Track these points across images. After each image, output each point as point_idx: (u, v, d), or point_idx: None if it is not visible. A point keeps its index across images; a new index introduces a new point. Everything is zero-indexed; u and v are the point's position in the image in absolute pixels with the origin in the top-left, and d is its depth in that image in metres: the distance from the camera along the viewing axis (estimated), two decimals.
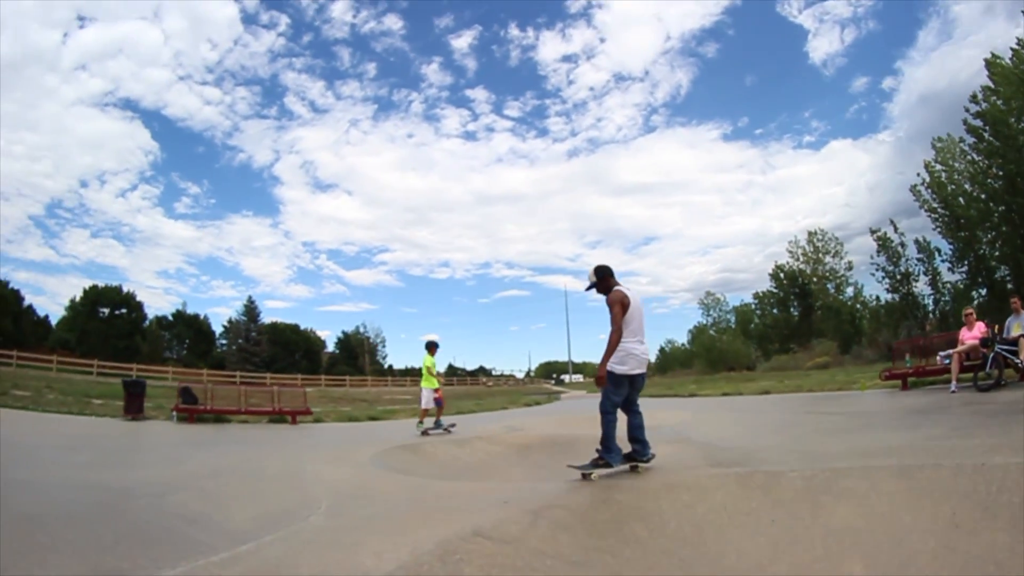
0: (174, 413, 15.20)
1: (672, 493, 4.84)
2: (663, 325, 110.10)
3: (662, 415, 11.63)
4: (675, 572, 3.53)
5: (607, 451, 5.89)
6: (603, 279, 6.33)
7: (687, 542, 3.90)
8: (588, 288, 6.43)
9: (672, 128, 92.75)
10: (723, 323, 68.82)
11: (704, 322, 70.79)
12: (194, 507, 5.32)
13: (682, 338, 78.54)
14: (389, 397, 34.49)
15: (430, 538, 3.78)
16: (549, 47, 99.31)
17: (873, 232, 41.70)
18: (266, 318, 66.87)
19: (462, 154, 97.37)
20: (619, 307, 5.88)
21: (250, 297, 67.06)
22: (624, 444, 6.08)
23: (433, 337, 14.56)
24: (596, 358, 18.49)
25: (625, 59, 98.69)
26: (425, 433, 12.51)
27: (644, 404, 6.35)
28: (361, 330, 76.60)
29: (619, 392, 5.97)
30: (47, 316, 58.61)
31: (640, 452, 6.05)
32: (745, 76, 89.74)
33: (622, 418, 6.11)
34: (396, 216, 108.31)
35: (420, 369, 14.77)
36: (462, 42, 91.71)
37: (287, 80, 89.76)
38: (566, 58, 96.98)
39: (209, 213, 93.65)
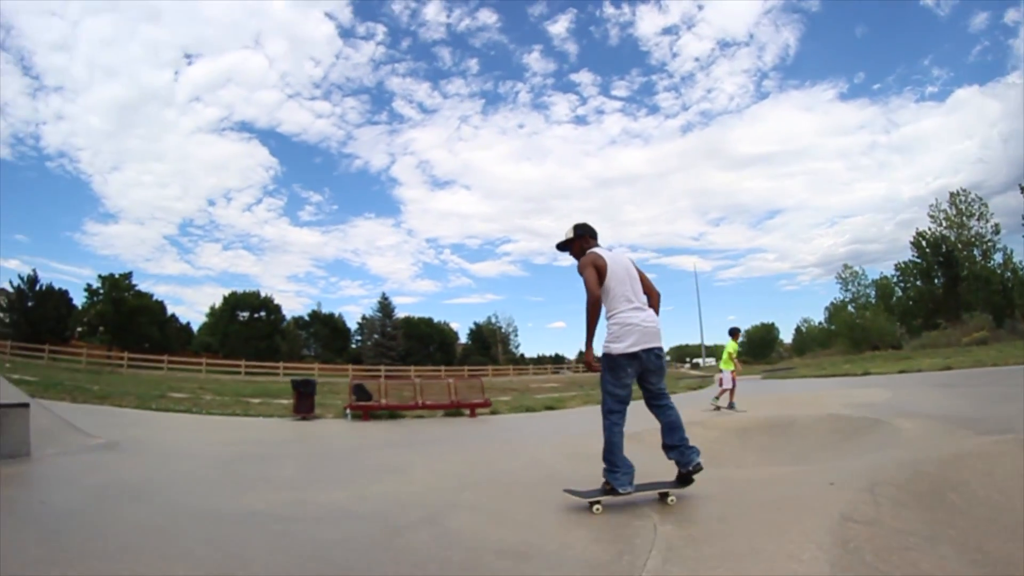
0: (347, 411, 13.86)
1: (964, 462, 4.63)
2: (794, 304, 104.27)
3: (858, 393, 12.02)
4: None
5: (611, 470, 4.48)
6: (580, 238, 5.00)
7: (1000, 508, 3.76)
8: (560, 246, 5.11)
9: (785, 92, 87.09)
10: (862, 298, 63.45)
11: (842, 298, 65.69)
12: (493, 533, 3.96)
13: (817, 316, 73.46)
14: (537, 386, 32.91)
15: (816, 528, 3.40)
16: (647, 21, 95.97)
17: None
18: (397, 313, 67.47)
19: (575, 139, 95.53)
20: (591, 270, 4.60)
21: (384, 294, 68.32)
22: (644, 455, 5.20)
23: (736, 325, 14.81)
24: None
25: (727, 24, 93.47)
26: (717, 408, 13.36)
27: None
28: (493, 320, 76.60)
29: (621, 381, 4.55)
30: (188, 323, 62.79)
31: (681, 461, 4.55)
32: (854, 27, 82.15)
33: (642, 421, 5.20)
34: (515, 207, 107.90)
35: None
36: (559, 27, 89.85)
37: (393, 85, 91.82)
38: (666, 30, 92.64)
39: (332, 218, 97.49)
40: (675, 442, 4.51)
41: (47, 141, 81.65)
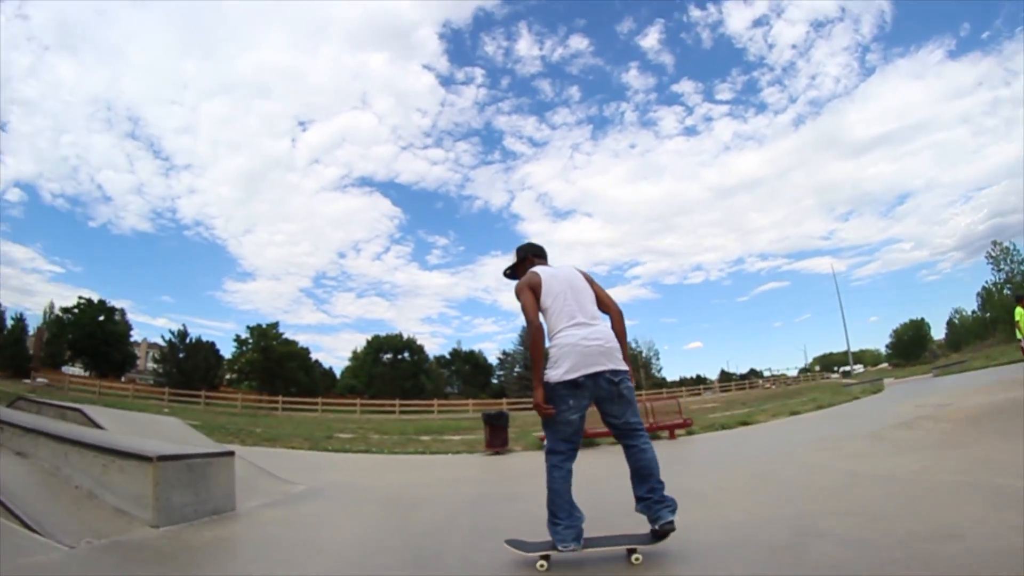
0: (545, 442, 11.94)
1: None
2: (940, 295, 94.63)
3: None
4: None
5: (552, 521, 3.55)
6: (523, 261, 4.17)
7: None
8: (507, 273, 4.30)
9: (891, 63, 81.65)
10: (1018, 275, 54.49)
11: (996, 279, 56.76)
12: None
13: (970, 305, 65.01)
14: (698, 407, 30.41)
15: None
16: (736, 17, 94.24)
17: None
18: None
19: (687, 151, 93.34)
20: (526, 292, 3.79)
21: (524, 327, 66.93)
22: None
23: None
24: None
25: (815, 3, 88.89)
26: None
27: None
28: (633, 345, 73.21)
29: (564, 416, 3.56)
30: (331, 367, 65.61)
31: (649, 517, 3.49)
32: None
33: (606, 461, 4.58)
34: (639, 228, 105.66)
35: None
36: (650, 40, 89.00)
37: (500, 124, 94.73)
38: (756, 23, 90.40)
39: (460, 259, 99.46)
40: (643, 493, 3.53)
41: (183, 213, 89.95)
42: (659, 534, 3.39)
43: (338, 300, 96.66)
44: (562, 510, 3.49)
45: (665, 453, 9.47)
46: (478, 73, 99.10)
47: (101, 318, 53.40)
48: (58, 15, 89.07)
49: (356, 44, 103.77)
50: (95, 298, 54.02)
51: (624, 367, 3.61)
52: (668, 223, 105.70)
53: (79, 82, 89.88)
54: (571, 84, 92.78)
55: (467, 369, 65.31)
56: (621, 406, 3.56)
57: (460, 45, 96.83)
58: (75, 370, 51.04)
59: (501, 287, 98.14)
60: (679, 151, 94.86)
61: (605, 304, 3.90)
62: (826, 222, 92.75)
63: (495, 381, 65.96)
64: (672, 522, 3.36)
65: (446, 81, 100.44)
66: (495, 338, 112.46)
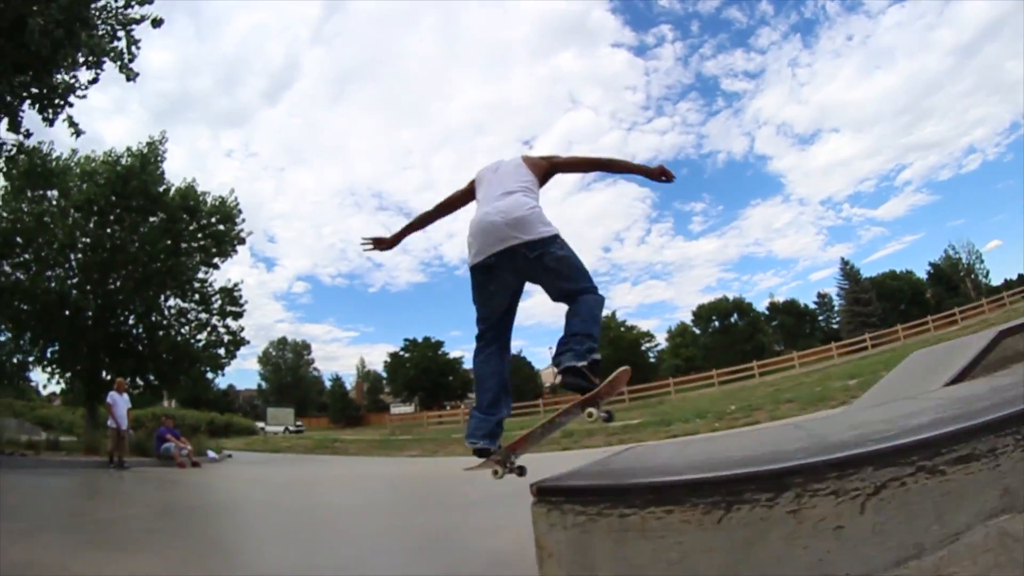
0: None
1: None
2: None
3: None
4: None
5: (467, 425, 3.06)
6: None
7: None
8: None
9: None
10: None
11: None
12: None
13: None
14: None
15: None
16: None
17: None
18: (810, 291, 61.98)
19: (907, 19, 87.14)
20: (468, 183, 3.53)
21: (843, 259, 63.61)
22: None
23: None
24: None
25: None
26: None
27: None
28: (951, 253, 63.36)
29: (477, 301, 3.10)
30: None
31: (554, 360, 2.86)
32: None
33: None
34: (891, 126, 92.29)
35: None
36: None
37: (709, 70, 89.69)
38: None
39: (722, 219, 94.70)
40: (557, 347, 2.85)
41: (448, 256, 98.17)
42: (572, 386, 2.68)
43: (615, 293, 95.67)
44: (481, 400, 2.99)
45: None
46: (665, 30, 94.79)
47: (429, 354, 62.28)
48: (282, 141, 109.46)
49: (541, 53, 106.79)
50: (419, 337, 62.93)
51: (543, 234, 2.88)
52: (920, 110, 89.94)
53: (319, 183, 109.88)
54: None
55: (790, 321, 62.38)
56: (549, 278, 2.93)
57: (635, 11, 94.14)
58: (403, 408, 59.74)
59: (771, 235, 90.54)
60: (899, 22, 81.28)
61: (560, 162, 3.52)
62: None
63: (823, 325, 63.36)
64: (572, 367, 2.64)
65: (639, 50, 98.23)
66: (779, 290, 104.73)
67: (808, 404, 12.63)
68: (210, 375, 19.43)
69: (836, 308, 63.62)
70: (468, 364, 61.18)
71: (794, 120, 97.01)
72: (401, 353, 63.19)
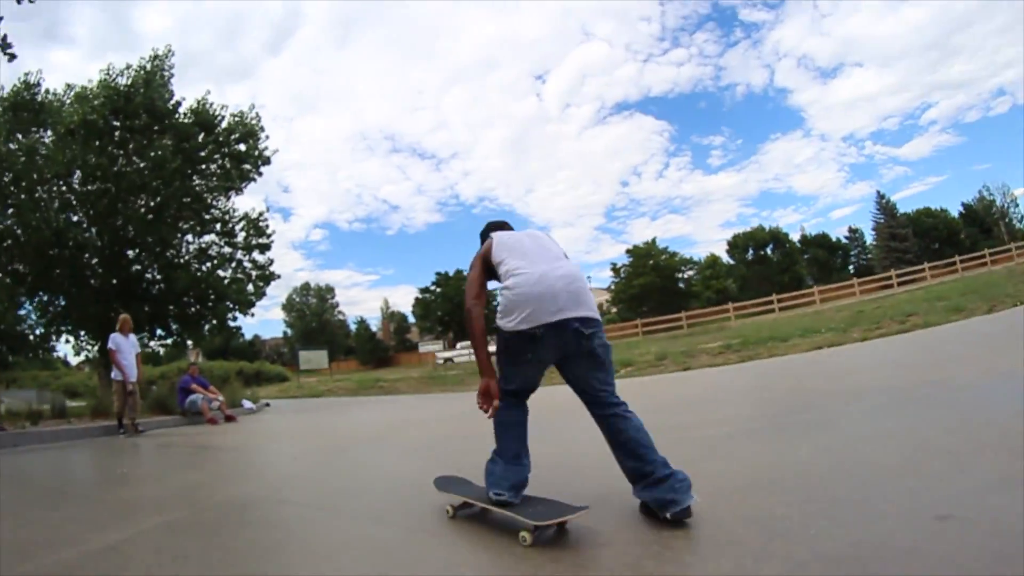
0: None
1: None
2: None
3: None
4: None
5: (488, 473, 2.79)
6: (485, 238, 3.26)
7: None
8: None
9: None
10: None
11: None
12: None
13: None
14: None
15: None
16: None
17: None
18: (832, 229, 59.52)
19: None
20: (477, 265, 2.99)
21: (879, 192, 60.92)
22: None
23: None
24: None
25: None
26: None
27: None
28: (985, 195, 61.14)
29: (517, 374, 2.79)
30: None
31: (656, 495, 2.50)
32: None
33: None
34: (918, 62, 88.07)
35: None
36: None
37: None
38: None
39: (741, 153, 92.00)
40: (636, 469, 2.57)
41: (465, 194, 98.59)
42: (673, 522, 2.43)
43: (634, 228, 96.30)
44: (507, 449, 2.76)
45: None
46: None
47: (461, 287, 59.38)
48: (289, 90, 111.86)
49: None
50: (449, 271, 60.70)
51: (598, 316, 2.72)
52: (949, 46, 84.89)
53: (330, 130, 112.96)
54: None
55: (822, 255, 59.86)
56: (591, 367, 2.68)
57: None
58: (432, 346, 58.07)
59: (792, 171, 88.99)
60: None
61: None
62: None
63: (855, 260, 60.98)
64: (688, 507, 2.42)
65: None
66: (798, 227, 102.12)
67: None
68: (238, 317, 16.83)
69: (868, 244, 61.49)
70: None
71: (816, 53, 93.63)
72: (432, 288, 61.49)
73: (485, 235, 3.32)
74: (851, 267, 59.79)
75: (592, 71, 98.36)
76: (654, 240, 52.89)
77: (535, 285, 2.62)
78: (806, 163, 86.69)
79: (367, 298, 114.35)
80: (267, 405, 15.46)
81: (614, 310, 53.26)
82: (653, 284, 49.19)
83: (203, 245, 16.43)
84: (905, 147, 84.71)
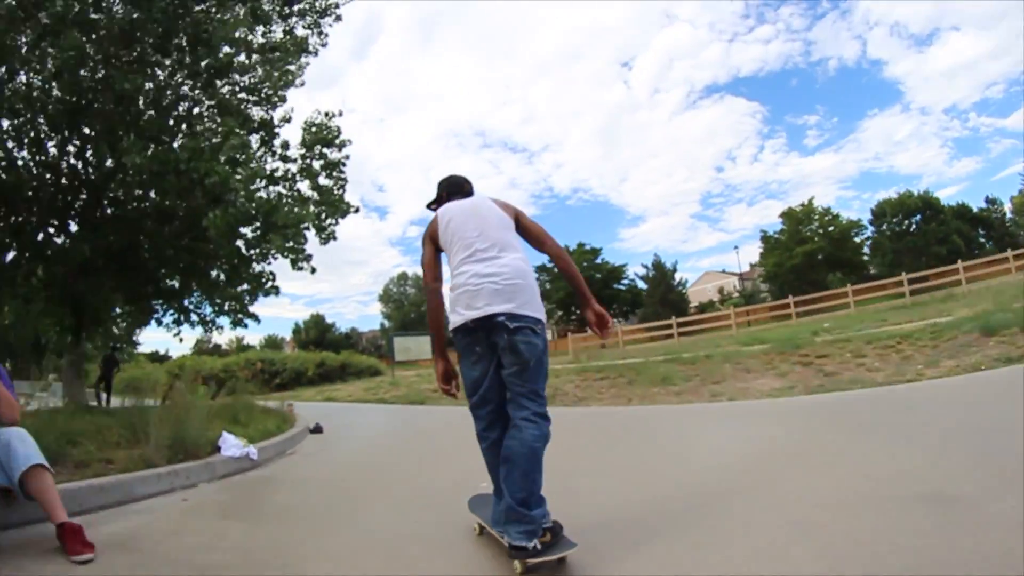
0: None
1: None
2: None
3: None
4: None
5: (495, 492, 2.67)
6: (438, 200, 3.14)
7: None
8: (431, 207, 3.17)
9: None
10: None
11: None
12: None
13: None
14: None
15: None
16: None
17: None
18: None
19: None
20: (427, 245, 2.85)
21: None
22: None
23: None
24: None
25: None
26: None
27: None
28: None
29: (465, 371, 2.69)
30: None
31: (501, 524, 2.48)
32: None
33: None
34: (1019, 22, 76.37)
35: None
36: None
37: None
38: None
39: (838, 132, 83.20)
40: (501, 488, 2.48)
41: (559, 186, 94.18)
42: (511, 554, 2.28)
43: (731, 215, 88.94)
44: (496, 487, 2.57)
45: None
46: None
47: (584, 263, 54.64)
48: (377, 93, 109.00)
49: None
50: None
51: (530, 312, 2.50)
52: None
53: (420, 129, 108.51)
54: None
55: (964, 227, 49.70)
56: (511, 362, 2.47)
57: None
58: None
59: (891, 150, 77.89)
60: None
61: (537, 238, 2.82)
62: None
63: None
64: (523, 548, 2.24)
65: None
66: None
67: None
68: (300, 262, 10.63)
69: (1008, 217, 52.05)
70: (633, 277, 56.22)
71: (908, 19, 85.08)
72: (548, 266, 57.38)
73: (438, 195, 3.12)
74: (989, 242, 50.22)
75: (678, 54, 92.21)
76: (811, 201, 45.75)
77: (478, 283, 2.54)
78: (907, 139, 76.93)
79: None
80: (317, 431, 8.56)
81: (764, 290, 46.85)
82: (823, 250, 42.34)
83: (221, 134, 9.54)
84: (1011, 116, 72.04)
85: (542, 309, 2.58)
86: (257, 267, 10.88)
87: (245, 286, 10.91)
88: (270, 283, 11.00)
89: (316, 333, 65.75)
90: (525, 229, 2.82)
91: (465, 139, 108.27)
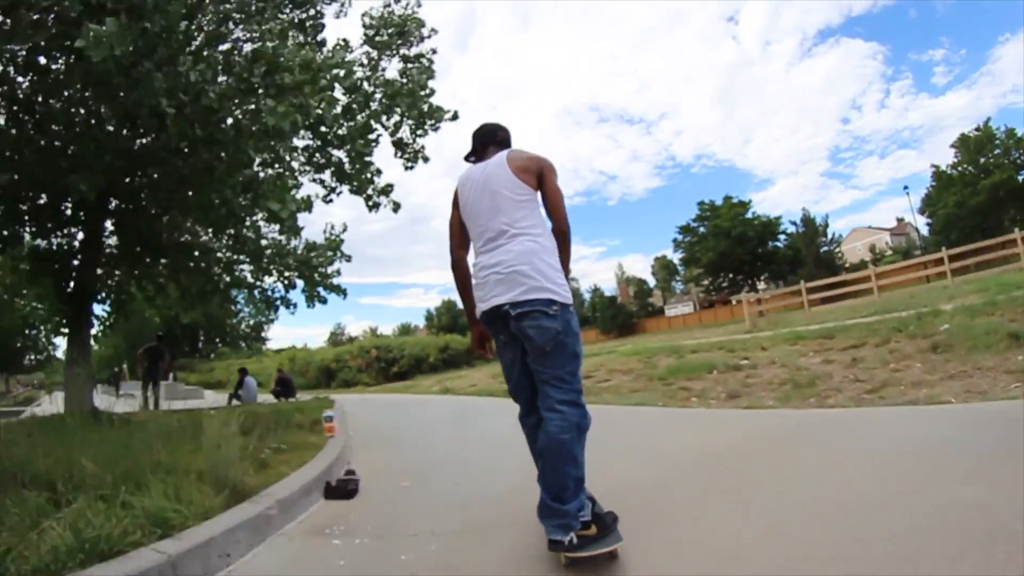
0: None
1: None
2: None
3: None
4: None
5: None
6: (474, 150, 2.92)
7: None
8: (467, 158, 2.94)
9: None
10: None
11: None
12: None
13: None
14: None
15: None
16: None
17: None
18: None
19: None
20: (454, 207, 2.77)
21: None
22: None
23: None
24: None
25: None
26: None
27: None
28: None
29: (503, 355, 2.62)
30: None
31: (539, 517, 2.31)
32: None
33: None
34: None
35: None
36: None
37: None
38: None
39: (969, 65, 74.05)
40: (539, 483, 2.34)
41: (681, 155, 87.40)
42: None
43: (863, 170, 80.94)
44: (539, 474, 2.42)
45: None
46: None
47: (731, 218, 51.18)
48: (485, 81, 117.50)
49: None
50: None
51: (538, 296, 2.35)
52: None
53: (534, 110, 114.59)
54: None
55: None
56: (529, 349, 2.42)
57: None
58: (679, 309, 51.36)
59: None
60: None
61: (551, 208, 2.61)
62: None
63: None
64: (559, 541, 2.17)
65: None
66: None
67: None
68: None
69: None
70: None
71: None
72: (693, 226, 52.23)
73: (473, 142, 2.91)
74: None
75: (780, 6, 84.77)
76: (987, 123, 38.99)
77: (487, 274, 2.50)
78: None
79: (595, 270, 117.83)
80: (340, 492, 3.87)
81: (918, 245, 41.48)
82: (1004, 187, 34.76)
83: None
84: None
85: (560, 289, 2.37)
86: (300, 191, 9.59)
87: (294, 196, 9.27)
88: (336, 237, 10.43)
89: (448, 319, 64.12)
90: (544, 194, 2.59)
91: (580, 116, 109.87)
